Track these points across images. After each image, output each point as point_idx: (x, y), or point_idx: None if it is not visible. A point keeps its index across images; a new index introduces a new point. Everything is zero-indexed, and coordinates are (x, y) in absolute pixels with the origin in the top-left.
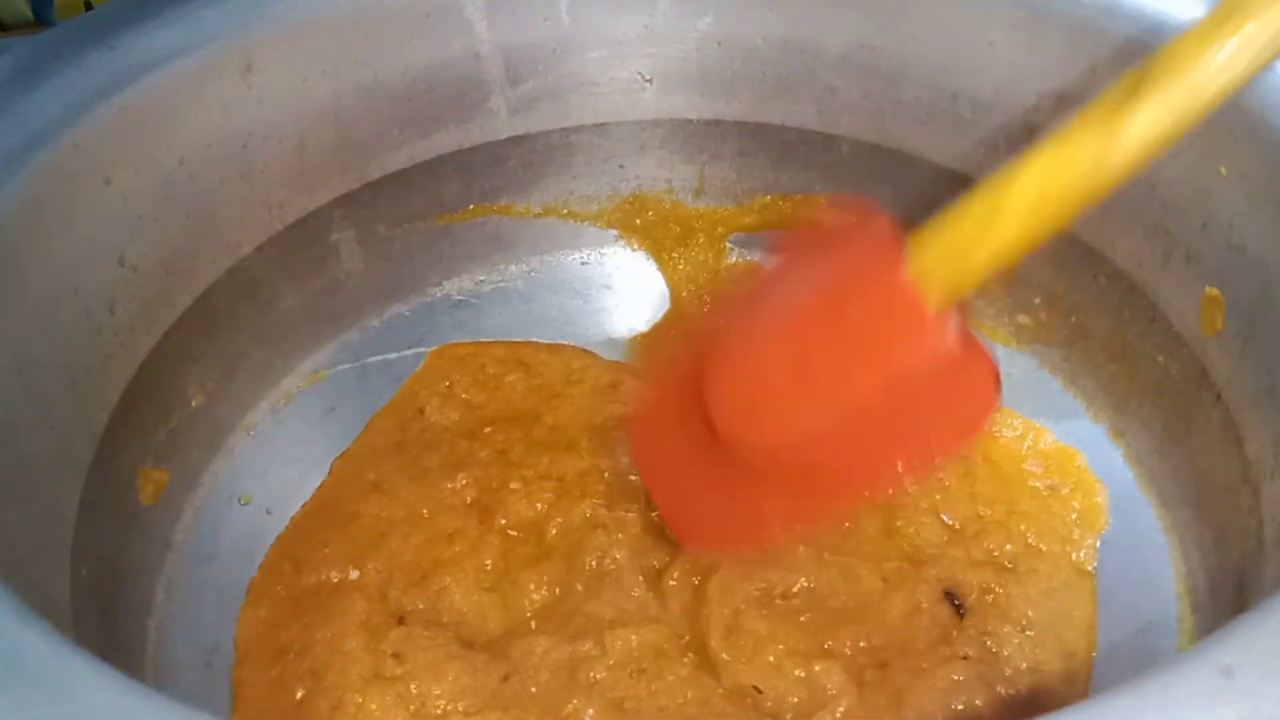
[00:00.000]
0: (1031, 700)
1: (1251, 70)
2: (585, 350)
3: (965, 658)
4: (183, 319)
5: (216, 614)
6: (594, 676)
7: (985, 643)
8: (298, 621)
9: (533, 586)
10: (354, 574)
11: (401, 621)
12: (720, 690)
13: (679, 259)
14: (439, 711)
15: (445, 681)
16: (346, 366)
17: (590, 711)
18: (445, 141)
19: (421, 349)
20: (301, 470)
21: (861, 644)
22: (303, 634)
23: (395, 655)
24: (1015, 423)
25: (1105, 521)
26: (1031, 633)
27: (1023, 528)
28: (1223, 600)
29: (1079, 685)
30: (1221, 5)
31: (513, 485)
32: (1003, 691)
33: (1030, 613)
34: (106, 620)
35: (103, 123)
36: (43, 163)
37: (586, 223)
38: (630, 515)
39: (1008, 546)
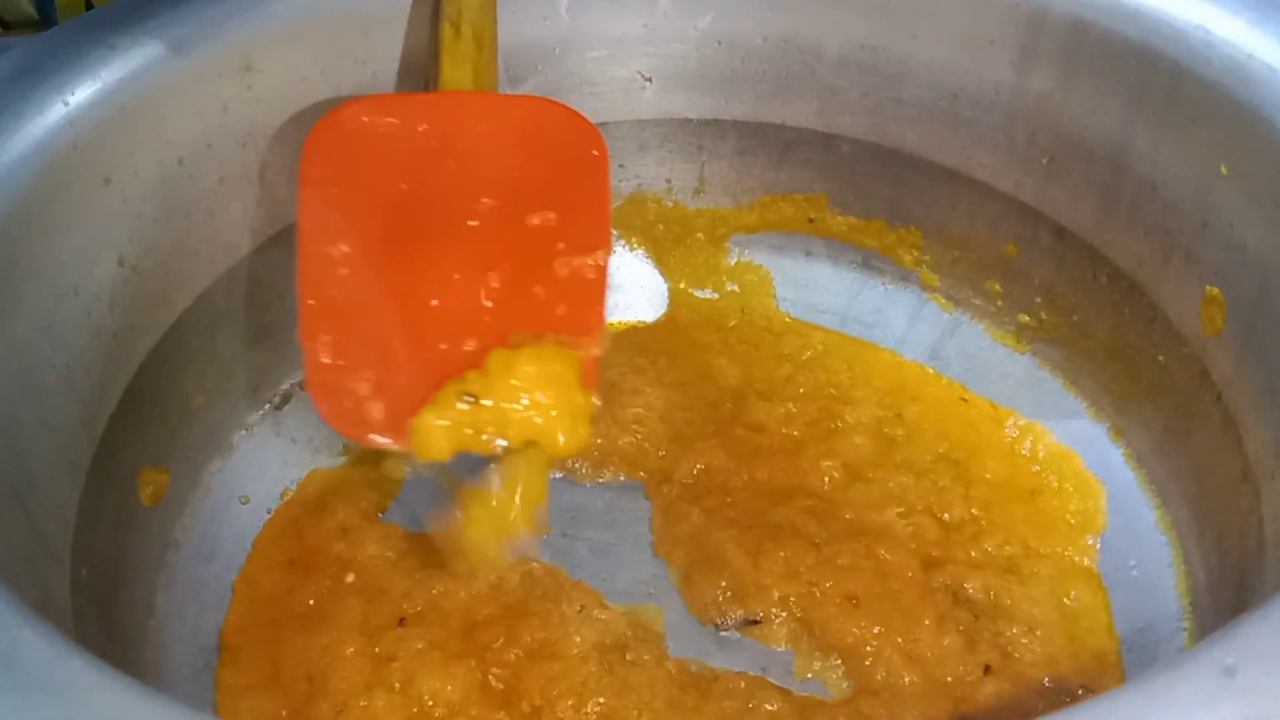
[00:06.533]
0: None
1: None
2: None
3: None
4: (182, 319)
5: (216, 614)
6: (589, 676)
7: (997, 643)
8: (290, 624)
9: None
10: (349, 578)
11: (402, 623)
12: (715, 690)
13: (679, 258)
14: (442, 713)
15: (448, 683)
16: None
17: (586, 710)
18: None
19: None
20: (301, 470)
21: (867, 643)
22: (297, 637)
23: (396, 658)
24: (1015, 422)
25: (1105, 521)
26: (1040, 632)
27: (1022, 529)
28: (1223, 600)
29: (1092, 683)
30: None
31: None
32: (1011, 691)
33: (1036, 613)
34: (106, 620)
35: (103, 123)
36: (43, 163)
37: None
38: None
39: (1007, 548)
